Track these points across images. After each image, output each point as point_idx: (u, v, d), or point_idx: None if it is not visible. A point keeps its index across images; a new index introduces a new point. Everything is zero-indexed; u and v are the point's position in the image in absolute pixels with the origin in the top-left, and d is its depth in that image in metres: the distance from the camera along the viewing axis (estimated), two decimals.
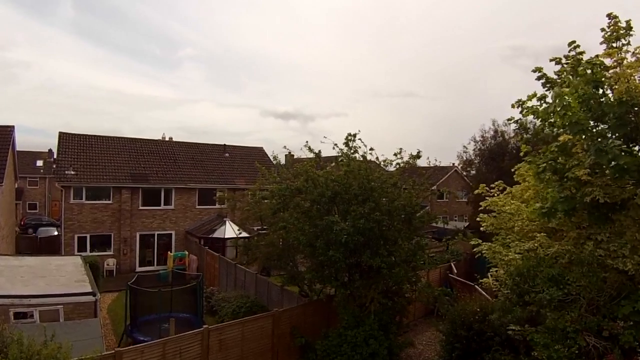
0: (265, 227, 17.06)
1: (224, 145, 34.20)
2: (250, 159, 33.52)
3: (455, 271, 20.78)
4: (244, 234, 19.59)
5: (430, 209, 36.05)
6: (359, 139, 13.85)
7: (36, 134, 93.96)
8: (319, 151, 14.26)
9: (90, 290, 11.98)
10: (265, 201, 14.79)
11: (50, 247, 28.30)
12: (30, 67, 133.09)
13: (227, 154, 33.37)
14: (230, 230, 24.77)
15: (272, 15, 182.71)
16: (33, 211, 48.59)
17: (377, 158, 14.35)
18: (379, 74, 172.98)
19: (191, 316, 15.54)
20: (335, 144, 13.96)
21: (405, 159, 14.38)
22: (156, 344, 10.27)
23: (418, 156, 14.40)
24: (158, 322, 14.31)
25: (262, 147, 36.29)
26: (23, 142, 77.43)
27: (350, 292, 12.79)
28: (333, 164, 15.37)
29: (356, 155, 13.89)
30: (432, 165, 15.58)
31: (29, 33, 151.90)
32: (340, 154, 13.97)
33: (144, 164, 28.92)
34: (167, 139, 34.51)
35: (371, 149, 14.10)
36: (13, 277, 12.80)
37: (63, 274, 13.84)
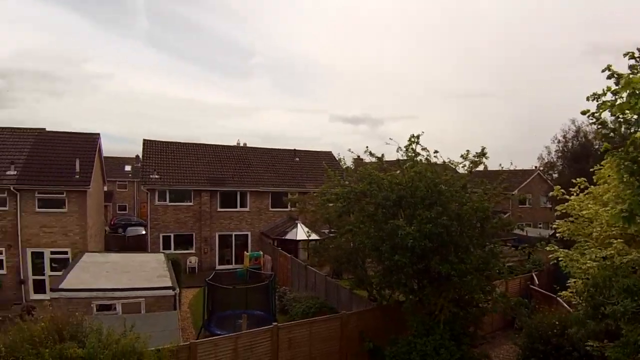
0: (333, 229, 17.23)
1: (294, 150, 35.12)
2: (319, 163, 34.04)
3: (537, 282, 19.54)
4: (314, 236, 19.93)
5: (511, 215, 34.32)
6: (418, 143, 13.54)
7: (121, 142, 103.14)
8: (382, 155, 14.17)
9: (170, 285, 12.88)
10: (331, 204, 14.95)
11: (138, 245, 30.77)
12: (112, 79, 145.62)
13: (297, 158, 34.21)
14: (301, 232, 25.30)
15: (341, 20, 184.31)
16: (123, 212, 53.02)
17: (448, 160, 13.86)
18: (452, 74, 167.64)
19: (264, 314, 16.11)
20: (400, 147, 13.76)
21: (472, 158, 13.72)
22: (229, 338, 10.81)
23: (483, 154, 13.65)
24: (233, 317, 15.01)
25: (330, 151, 36.76)
26: (113, 149, 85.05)
27: (419, 299, 12.51)
28: (398, 171, 15.17)
29: (419, 157, 13.58)
30: (505, 168, 14.80)
31: (110, 46, 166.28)
32: (404, 157, 13.75)
33: (221, 168, 30.55)
34: (241, 144, 36.17)
35: (435, 151, 13.69)
36: (98, 273, 14.06)
37: (146, 270, 15.01)
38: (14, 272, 21.31)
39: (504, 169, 14.83)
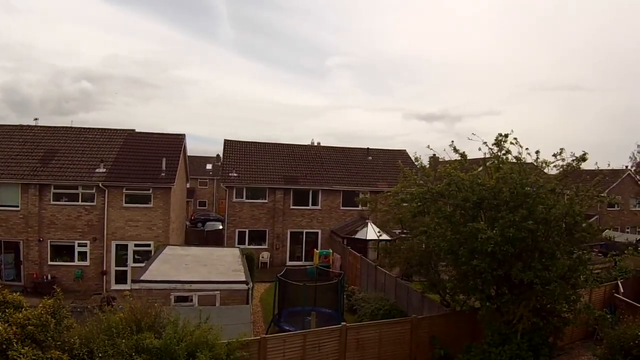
0: (405, 230, 16.78)
1: (367, 148, 34.84)
2: (393, 162, 33.48)
3: (622, 290, 17.78)
4: (385, 237, 19.58)
5: (600, 219, 31.30)
6: (515, 138, 12.51)
7: (208, 142, 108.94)
8: (463, 152, 13.40)
9: (244, 279, 13.26)
10: (405, 204, 14.52)
11: (215, 240, 32.24)
12: (199, 84, 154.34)
13: (370, 157, 33.90)
14: (371, 232, 25.05)
15: (420, 16, 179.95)
16: (202, 208, 56.10)
17: (536, 160, 12.80)
18: (540, 67, 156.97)
19: (333, 312, 16.13)
20: (485, 143, 12.89)
21: (568, 160, 12.56)
22: (297, 335, 10.91)
23: (583, 159, 12.48)
24: (302, 314, 15.18)
25: (405, 150, 36.03)
26: (196, 149, 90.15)
27: (497, 307, 11.87)
28: (481, 168, 14.32)
29: (508, 157, 12.69)
30: (599, 168, 13.37)
31: (197, 53, 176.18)
32: (489, 156, 12.94)
33: (295, 167, 31.18)
34: (315, 144, 36.57)
35: (526, 148, 12.65)
36: (178, 265, 14.80)
37: (222, 263, 15.60)
38: (97, 264, 23.09)
39: (600, 169, 13.41)
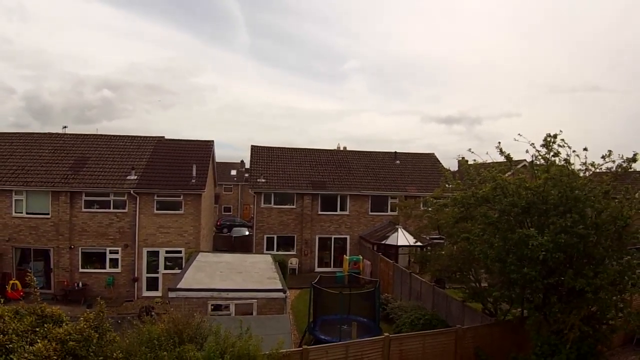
0: (442, 236, 16.24)
1: (395, 152, 34.27)
2: (421, 165, 32.99)
3: None
4: (419, 243, 19.04)
5: None
6: (562, 139, 12.04)
7: (226, 148, 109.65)
8: (509, 154, 12.89)
9: (281, 288, 12.97)
10: (446, 209, 14.02)
11: (243, 246, 32.17)
12: (216, 90, 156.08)
13: (398, 161, 33.32)
14: (402, 237, 24.50)
15: (436, 19, 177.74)
16: (227, 213, 56.35)
17: (584, 163, 12.23)
18: (558, 67, 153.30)
19: (368, 321, 15.66)
20: (532, 144, 12.39)
21: (618, 161, 12.01)
22: (340, 346, 10.54)
23: (634, 159, 11.94)
24: (338, 323, 14.78)
25: (433, 153, 35.31)
26: (218, 154, 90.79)
27: (545, 316, 11.39)
28: (519, 166, 13.76)
29: (556, 159, 12.15)
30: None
31: (214, 60, 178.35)
32: (536, 158, 12.40)
33: (322, 172, 30.85)
34: (341, 148, 36.16)
35: (573, 151, 12.13)
36: (212, 273, 14.58)
37: (257, 271, 15.35)
38: (128, 271, 23.16)
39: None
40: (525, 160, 12.97)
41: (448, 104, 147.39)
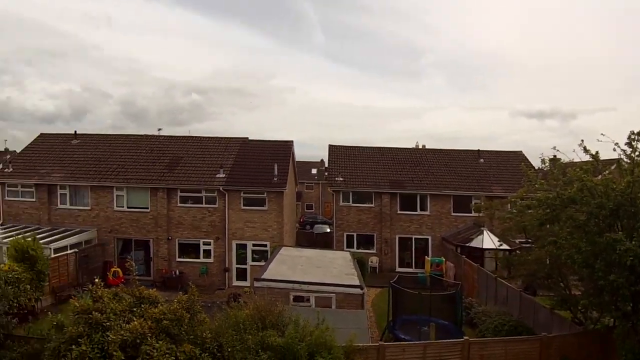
0: (529, 239, 15.45)
1: (478, 150, 32.81)
2: (507, 164, 31.17)
3: None
4: (505, 246, 18.20)
5: None
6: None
7: (304, 147, 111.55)
8: (596, 153, 11.99)
9: (359, 284, 13.27)
10: (530, 211, 13.34)
11: (324, 242, 32.87)
12: (295, 91, 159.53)
13: (481, 160, 31.88)
14: (488, 240, 23.46)
15: (520, 9, 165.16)
16: (309, 211, 58.04)
17: None
18: None
19: (449, 324, 15.35)
20: (617, 144, 11.57)
21: None
22: (417, 345, 10.58)
23: None
24: (417, 323, 14.70)
25: (521, 151, 33.19)
26: (297, 154, 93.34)
27: (633, 325, 10.72)
28: (612, 167, 12.72)
29: None
30: None
31: (291, 62, 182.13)
32: (622, 157, 11.48)
33: (400, 171, 30.58)
34: (420, 146, 35.46)
35: None
36: (294, 266, 15.28)
37: (335, 266, 15.80)
38: (220, 261, 24.93)
39: None
40: (621, 158, 11.94)
41: (536, 98, 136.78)
